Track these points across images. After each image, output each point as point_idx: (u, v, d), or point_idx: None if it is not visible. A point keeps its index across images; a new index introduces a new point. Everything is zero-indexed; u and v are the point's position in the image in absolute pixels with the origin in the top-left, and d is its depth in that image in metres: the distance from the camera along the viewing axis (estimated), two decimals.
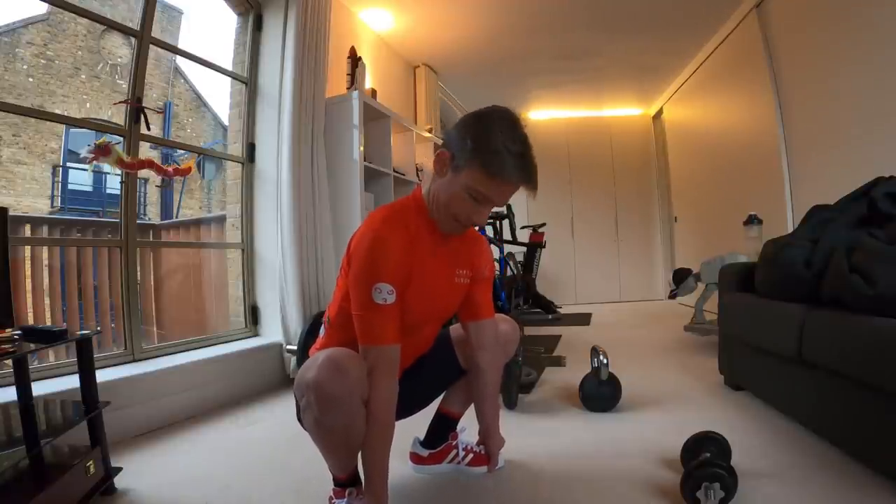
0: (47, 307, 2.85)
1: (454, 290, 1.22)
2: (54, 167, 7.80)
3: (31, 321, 2.66)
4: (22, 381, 1.31)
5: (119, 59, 8.37)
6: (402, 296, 1.07)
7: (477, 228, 1.35)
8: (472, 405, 1.42)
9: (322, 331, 1.24)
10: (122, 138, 2.20)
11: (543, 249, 4.93)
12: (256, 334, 2.80)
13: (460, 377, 1.39)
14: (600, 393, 1.91)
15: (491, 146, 1.02)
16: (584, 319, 4.70)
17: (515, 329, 1.44)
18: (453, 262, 1.21)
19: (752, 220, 2.90)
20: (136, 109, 2.20)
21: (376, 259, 1.04)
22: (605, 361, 1.92)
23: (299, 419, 1.14)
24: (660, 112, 6.11)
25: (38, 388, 1.52)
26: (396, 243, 1.07)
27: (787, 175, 3.22)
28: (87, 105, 8.08)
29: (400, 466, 1.46)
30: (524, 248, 4.82)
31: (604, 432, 1.70)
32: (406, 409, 1.29)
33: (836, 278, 1.41)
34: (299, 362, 1.18)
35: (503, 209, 3.95)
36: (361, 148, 2.95)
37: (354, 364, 1.01)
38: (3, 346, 1.18)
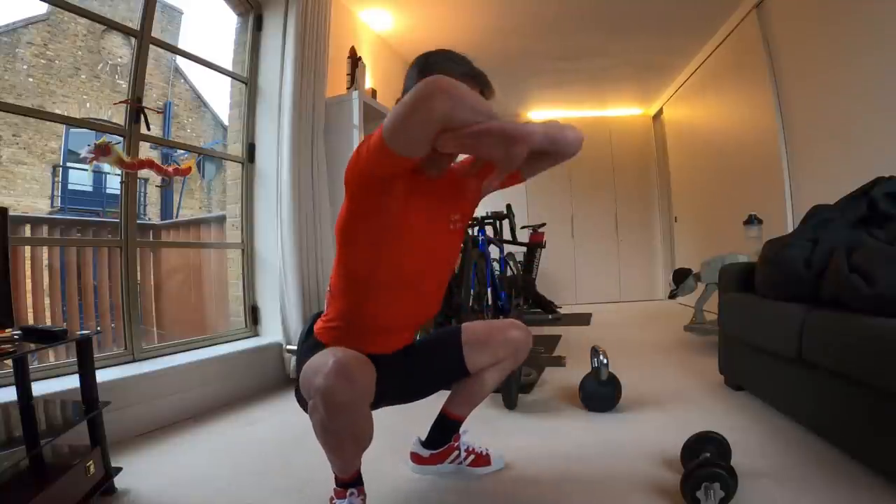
0: (47, 307, 2.84)
1: (451, 237, 1.23)
2: (54, 167, 7.81)
3: (31, 321, 2.65)
4: (22, 381, 1.31)
5: (119, 59, 8.37)
6: (400, 189, 1.05)
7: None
8: (475, 407, 1.42)
9: (326, 305, 1.24)
10: (122, 138, 2.20)
11: (543, 249, 4.93)
12: (256, 334, 2.81)
13: (464, 378, 1.38)
14: (600, 393, 1.91)
15: (435, 69, 1.05)
16: (584, 319, 4.69)
17: (528, 336, 1.39)
18: (445, 208, 1.20)
19: (752, 220, 2.90)
20: (136, 109, 2.20)
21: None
22: (605, 361, 1.92)
23: (299, 400, 1.15)
24: (660, 112, 6.11)
25: (38, 388, 1.52)
26: None
27: (787, 175, 3.22)
28: (87, 105, 8.08)
29: (400, 466, 1.46)
30: (524, 248, 4.81)
31: (604, 432, 1.70)
32: (404, 394, 1.29)
33: (835, 278, 1.41)
34: (299, 362, 1.18)
35: (503, 209, 3.94)
36: None
37: (363, 371, 1.01)
38: (3, 346, 1.18)
